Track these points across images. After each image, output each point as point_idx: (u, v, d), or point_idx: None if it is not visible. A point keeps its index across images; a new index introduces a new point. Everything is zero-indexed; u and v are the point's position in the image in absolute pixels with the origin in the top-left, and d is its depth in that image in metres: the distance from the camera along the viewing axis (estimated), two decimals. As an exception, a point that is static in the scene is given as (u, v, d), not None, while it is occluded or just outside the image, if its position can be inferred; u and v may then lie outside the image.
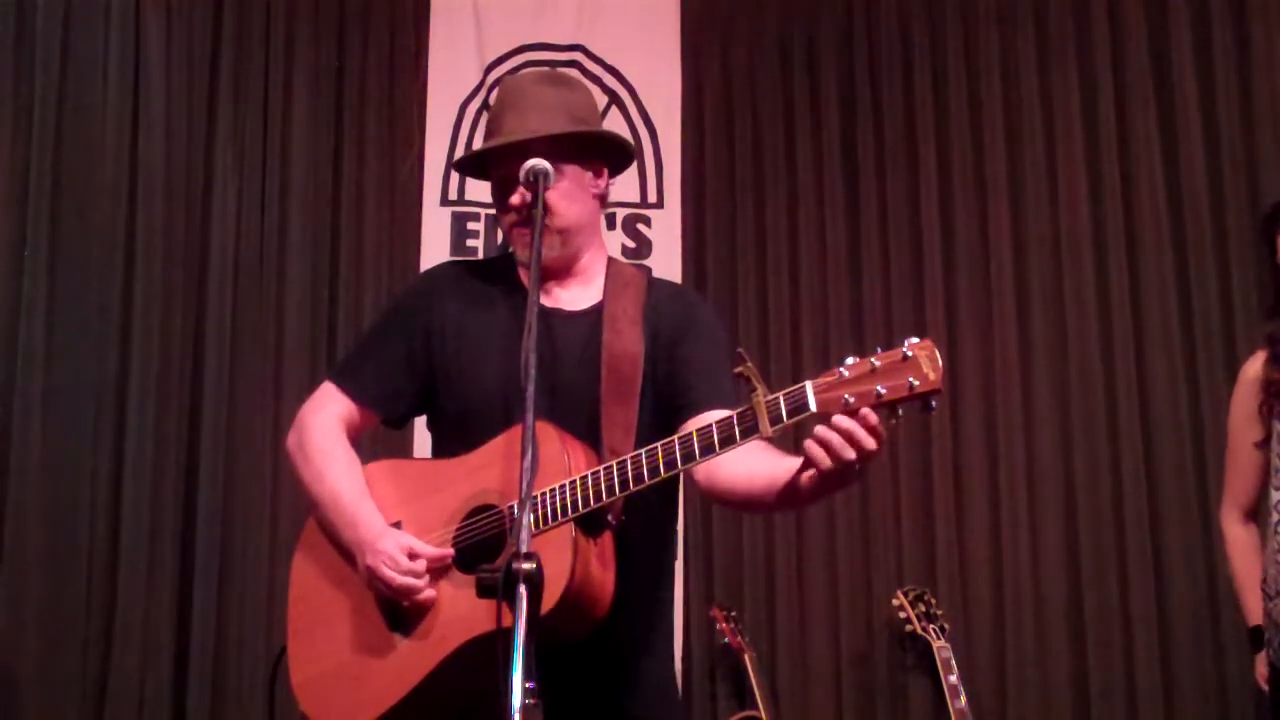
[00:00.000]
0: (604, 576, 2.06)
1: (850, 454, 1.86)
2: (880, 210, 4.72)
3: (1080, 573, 4.34)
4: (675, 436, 2.01)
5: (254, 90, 4.60)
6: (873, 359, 1.85)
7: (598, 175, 2.35)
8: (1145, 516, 4.29)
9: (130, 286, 4.32)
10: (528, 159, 2.19)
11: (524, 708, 1.64)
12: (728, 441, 1.95)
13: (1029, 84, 4.64)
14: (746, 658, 4.18)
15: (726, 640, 4.25)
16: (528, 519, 1.80)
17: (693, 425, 2.05)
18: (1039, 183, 4.59)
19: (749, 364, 1.89)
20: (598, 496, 2.03)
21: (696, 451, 1.97)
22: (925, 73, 4.75)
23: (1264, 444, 3.04)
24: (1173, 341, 4.36)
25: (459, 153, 4.66)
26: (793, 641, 4.46)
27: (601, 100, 4.74)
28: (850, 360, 1.87)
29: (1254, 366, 3.10)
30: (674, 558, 2.40)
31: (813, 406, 1.87)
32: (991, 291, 4.57)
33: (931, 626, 4.04)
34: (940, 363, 1.81)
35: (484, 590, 1.81)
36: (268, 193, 4.57)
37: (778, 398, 1.90)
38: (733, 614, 4.30)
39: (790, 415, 1.88)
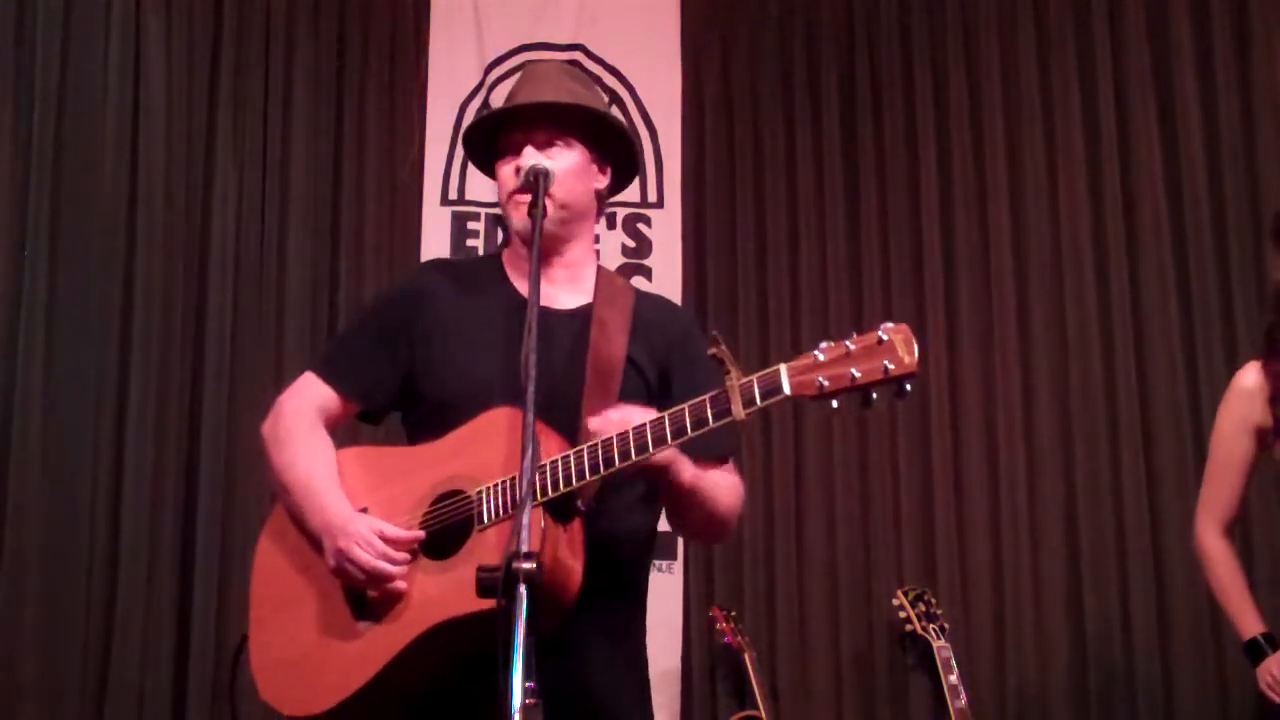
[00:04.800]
0: (572, 564, 2.03)
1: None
2: (880, 210, 4.72)
3: (1080, 573, 4.34)
4: (646, 420, 1.99)
5: (254, 90, 4.60)
6: (848, 342, 1.84)
7: (601, 170, 2.36)
8: (1145, 516, 4.29)
9: (130, 286, 4.31)
10: (540, 127, 2.24)
11: (524, 708, 1.63)
12: (699, 424, 1.94)
13: (1029, 84, 4.64)
14: (746, 658, 4.18)
15: (726, 640, 4.25)
16: (528, 518, 1.78)
17: None
18: (1039, 182, 4.59)
19: (722, 346, 1.87)
20: (567, 480, 2.00)
21: (668, 434, 1.96)
22: (925, 72, 4.76)
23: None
24: (1173, 342, 4.35)
25: (459, 152, 4.66)
26: (793, 641, 4.46)
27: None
28: (825, 344, 1.86)
29: (1248, 377, 3.04)
30: (650, 552, 2.38)
31: (787, 389, 1.86)
32: (991, 291, 4.57)
33: (931, 626, 4.04)
34: (915, 346, 1.81)
35: (484, 590, 1.79)
36: (268, 193, 4.57)
37: (751, 380, 1.89)
38: (733, 614, 4.30)
39: (764, 398, 1.88)
